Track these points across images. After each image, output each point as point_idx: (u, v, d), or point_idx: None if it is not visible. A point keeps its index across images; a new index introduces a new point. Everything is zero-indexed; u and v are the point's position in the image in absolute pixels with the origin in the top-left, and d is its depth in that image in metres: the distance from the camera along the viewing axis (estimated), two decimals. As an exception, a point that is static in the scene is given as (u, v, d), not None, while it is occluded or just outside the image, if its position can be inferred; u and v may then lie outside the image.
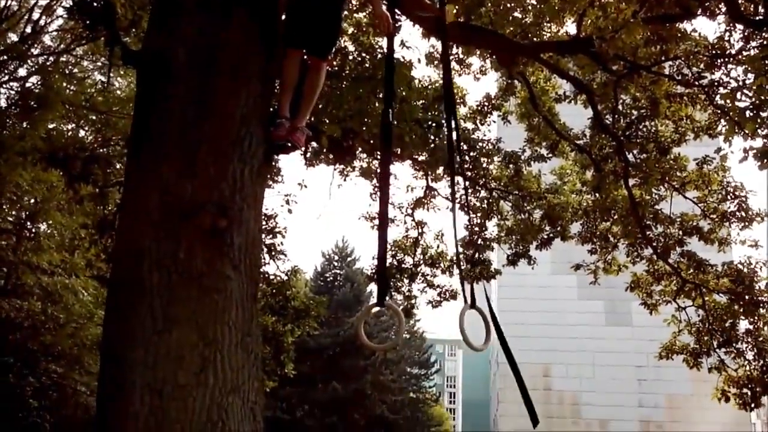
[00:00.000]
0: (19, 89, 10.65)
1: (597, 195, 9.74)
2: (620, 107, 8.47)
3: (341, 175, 10.41)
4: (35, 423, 13.25)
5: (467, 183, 10.27)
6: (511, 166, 10.19)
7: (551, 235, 10.59)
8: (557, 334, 36.71)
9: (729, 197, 9.38)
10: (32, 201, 11.18)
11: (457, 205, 10.63)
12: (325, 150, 9.13)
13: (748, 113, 5.96)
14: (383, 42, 7.48)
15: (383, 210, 3.53)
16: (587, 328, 37.11)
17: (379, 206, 3.51)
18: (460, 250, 11.31)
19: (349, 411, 36.10)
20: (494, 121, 10.28)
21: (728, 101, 7.00)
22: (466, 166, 10.04)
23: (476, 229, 10.97)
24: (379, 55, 7.99)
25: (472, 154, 9.86)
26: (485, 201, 10.61)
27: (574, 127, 9.62)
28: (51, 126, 11.10)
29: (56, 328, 12.39)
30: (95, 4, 6.66)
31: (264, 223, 12.88)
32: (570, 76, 7.81)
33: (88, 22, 6.70)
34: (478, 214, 10.76)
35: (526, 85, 8.58)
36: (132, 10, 6.90)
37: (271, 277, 15.01)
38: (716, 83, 7.52)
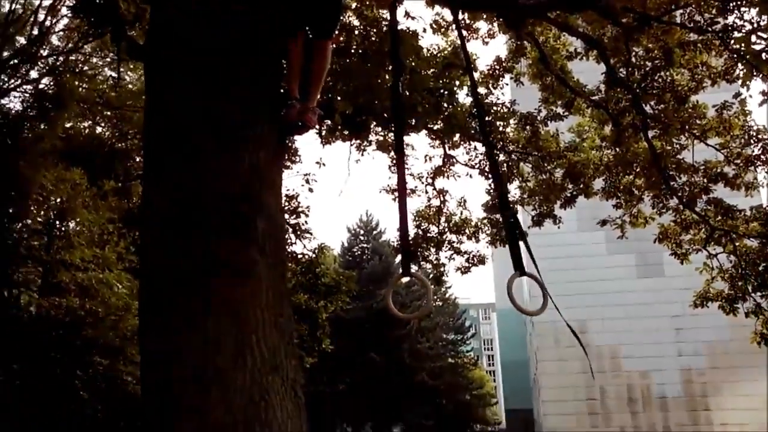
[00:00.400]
0: (32, 91, 10.77)
1: (617, 149, 9.62)
2: (633, 60, 8.28)
3: (358, 150, 10.40)
4: (88, 414, 13.68)
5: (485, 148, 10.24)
6: (527, 127, 10.08)
7: (574, 192, 10.50)
8: (590, 290, 36.52)
9: (752, 141, 9.21)
10: (58, 200, 11.38)
11: (476, 170, 10.67)
12: (339, 127, 9.13)
13: (764, 55, 5.83)
14: (388, 14, 7.43)
15: (401, 182, 3.55)
16: (619, 282, 36.90)
17: (397, 179, 3.54)
18: (488, 214, 11.39)
19: (389, 380, 36.58)
20: (506, 84, 10.17)
21: (743, 45, 6.83)
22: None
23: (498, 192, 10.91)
24: (385, 28, 7.93)
25: (487, 118, 9.78)
26: (504, 164, 10.53)
27: (589, 83, 9.45)
28: (68, 125, 11.22)
29: (96, 321, 12.71)
30: (97, 1, 6.68)
31: (286, 203, 12.99)
32: (580, 33, 7.66)
33: (92, 19, 6.72)
34: (499, 178, 10.69)
35: (536, 45, 8.43)
36: (134, 3, 6.92)
37: (299, 256, 15.16)
38: (730, 27, 7.32)
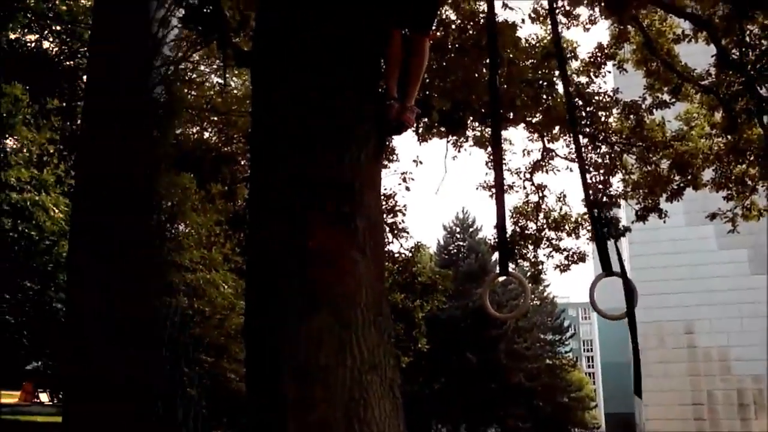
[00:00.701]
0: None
1: (729, 137, 9.14)
2: (747, 39, 7.84)
3: (455, 146, 10.37)
4: (196, 411, 14.15)
5: (586, 140, 9.97)
6: (631, 116, 9.73)
7: (682, 184, 10.07)
8: (698, 288, 34.83)
9: None
10: (169, 204, 11.79)
11: (576, 163, 10.40)
12: (436, 124, 9.12)
13: None
14: (485, 6, 7.37)
15: (498, 178, 3.51)
16: (730, 280, 34.95)
17: (494, 175, 3.49)
18: (585, 210, 11.08)
19: (485, 381, 36.25)
20: (609, 72, 9.83)
21: None
22: (583, 122, 9.72)
23: (600, 186, 10.61)
24: (482, 21, 7.85)
25: (588, 108, 9.51)
26: (607, 156, 10.21)
27: (698, 67, 9.03)
28: (178, 131, 11.58)
29: (203, 320, 13.13)
30: (204, 10, 6.96)
31: (384, 203, 13.10)
32: (687, 14, 7.33)
33: (200, 29, 7.01)
34: (601, 171, 10.39)
35: (640, 29, 8.13)
36: (238, 11, 7.16)
37: (396, 255, 15.26)
38: None
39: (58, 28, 12.06)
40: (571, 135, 9.99)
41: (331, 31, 3.16)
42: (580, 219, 11.41)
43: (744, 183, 9.84)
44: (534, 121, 9.62)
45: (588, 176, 10.59)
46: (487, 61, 7.50)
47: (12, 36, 11.07)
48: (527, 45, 8.51)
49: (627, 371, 50.76)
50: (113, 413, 1.92)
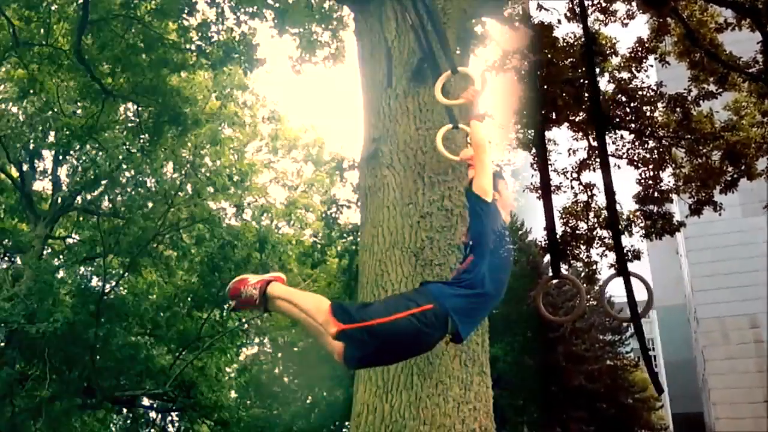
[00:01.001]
0: None
1: (782, 124, 8.89)
2: (794, 24, 7.64)
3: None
4: None
5: (632, 135, 9.81)
6: (677, 109, 9.53)
7: (735, 175, 9.79)
8: (760, 281, 33.60)
9: None
10: None
11: (624, 160, 10.23)
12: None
13: None
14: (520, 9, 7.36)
15: (545, 180, 3.51)
16: (793, 271, 33.70)
17: (540, 176, 3.50)
18: (633, 207, 10.86)
19: (544, 384, 35.73)
20: (651, 66, 9.65)
21: None
22: (627, 118, 9.57)
23: (650, 182, 10.39)
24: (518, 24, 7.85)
25: (632, 104, 9.36)
26: (655, 151, 10.00)
27: (743, 55, 8.79)
28: None
29: None
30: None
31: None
32: (729, 2, 7.16)
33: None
34: (650, 166, 10.18)
35: (680, 20, 7.98)
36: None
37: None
38: None
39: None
40: (616, 133, 9.88)
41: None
42: (632, 216, 11.16)
43: (802, 170, 9.54)
44: (577, 120, 9.50)
45: (638, 172, 10.42)
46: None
47: None
48: (565, 44, 8.44)
49: (692, 369, 49.40)
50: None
